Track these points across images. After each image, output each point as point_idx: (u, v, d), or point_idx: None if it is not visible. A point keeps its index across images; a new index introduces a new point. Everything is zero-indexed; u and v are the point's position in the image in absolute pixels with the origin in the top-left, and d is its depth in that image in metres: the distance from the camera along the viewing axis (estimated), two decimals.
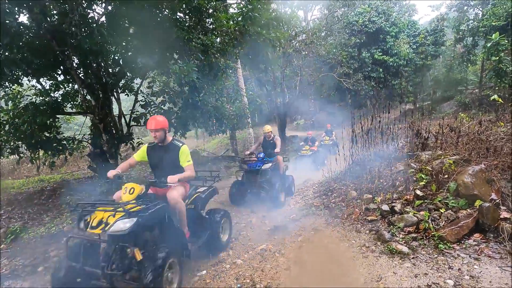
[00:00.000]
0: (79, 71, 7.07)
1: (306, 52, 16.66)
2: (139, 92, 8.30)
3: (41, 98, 7.26)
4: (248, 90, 12.50)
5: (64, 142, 7.22)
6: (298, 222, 4.91)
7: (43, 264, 4.20)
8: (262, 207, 5.93)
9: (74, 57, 6.85)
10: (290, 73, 17.91)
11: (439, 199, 4.11)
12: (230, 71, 9.12)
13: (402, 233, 3.79)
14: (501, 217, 3.48)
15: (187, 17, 7.31)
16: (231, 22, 6.82)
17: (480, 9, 17.08)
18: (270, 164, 6.13)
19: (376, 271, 3.17)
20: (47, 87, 7.55)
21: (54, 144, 6.96)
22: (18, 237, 5.21)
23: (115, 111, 7.74)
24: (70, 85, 7.99)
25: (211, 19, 7.43)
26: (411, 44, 19.51)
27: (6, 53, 5.79)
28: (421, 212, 3.98)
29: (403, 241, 3.60)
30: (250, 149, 6.72)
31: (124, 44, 6.96)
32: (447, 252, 3.27)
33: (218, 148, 19.98)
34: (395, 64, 18.57)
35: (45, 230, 5.37)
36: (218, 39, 7.82)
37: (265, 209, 5.83)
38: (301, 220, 4.95)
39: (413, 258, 3.28)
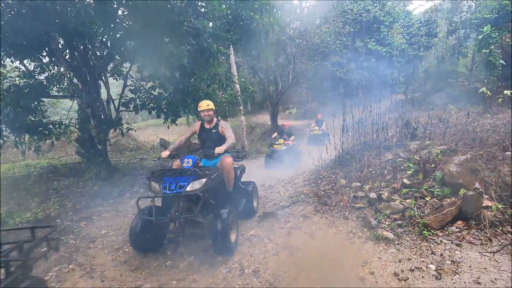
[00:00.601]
0: (64, 53, 6.82)
1: (300, 40, 16.47)
2: (128, 77, 8.09)
3: (24, 80, 6.99)
4: (241, 77, 12.36)
5: (50, 126, 7.02)
6: (287, 209, 4.96)
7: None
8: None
9: (60, 38, 6.59)
10: (283, 61, 17.73)
11: (425, 187, 4.20)
12: (223, 57, 8.95)
13: (388, 220, 3.88)
14: (483, 205, 3.59)
15: None
16: (224, 6, 6.63)
17: (473, 1, 17.10)
18: (205, 180, 3.34)
19: (362, 256, 3.25)
20: (31, 69, 7.27)
21: (40, 129, 6.76)
22: (3, 222, 5.11)
23: (104, 96, 7.54)
24: (56, 67, 7.71)
25: (203, 2, 7.21)
26: (405, 34, 19.50)
27: None
28: (407, 200, 4.07)
29: (389, 228, 3.69)
30: (170, 147, 3.98)
31: (112, 26, 6.70)
32: (431, 239, 3.37)
33: None
34: (388, 54, 18.59)
35: (32, 215, 5.28)
36: (211, 24, 7.62)
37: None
38: (290, 207, 5.00)
39: (398, 244, 3.37)
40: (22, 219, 5.11)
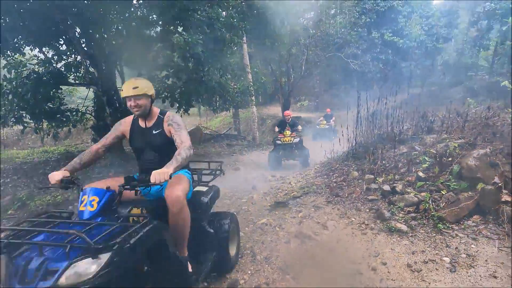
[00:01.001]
0: (81, 41, 6.94)
1: (314, 31, 16.16)
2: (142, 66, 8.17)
3: (43, 68, 7.18)
4: (253, 67, 12.28)
5: (68, 113, 7.22)
6: (298, 199, 4.97)
7: None
8: None
9: (76, 27, 6.69)
10: (296, 52, 17.49)
11: (441, 181, 4.11)
12: (235, 47, 8.89)
13: (402, 212, 3.83)
14: (502, 200, 3.49)
15: None
16: None
17: None
18: (107, 256, 1.45)
19: (374, 247, 3.24)
20: (50, 57, 7.44)
21: (58, 115, 6.97)
22: (25, 204, 5.34)
23: (119, 84, 7.66)
24: (73, 56, 7.87)
25: None
26: (423, 25, 18.83)
27: (7, 19, 5.66)
28: (422, 193, 4.00)
29: (403, 220, 3.65)
30: (69, 164, 2.24)
31: (127, 15, 6.76)
32: (446, 232, 3.32)
33: (221, 126, 19.96)
34: (405, 46, 18.03)
35: (51, 198, 5.49)
36: (224, 13, 7.56)
37: None
38: (302, 198, 5.01)
39: (411, 236, 3.34)
40: (43, 202, 5.33)
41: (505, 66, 10.52)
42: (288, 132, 8.04)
